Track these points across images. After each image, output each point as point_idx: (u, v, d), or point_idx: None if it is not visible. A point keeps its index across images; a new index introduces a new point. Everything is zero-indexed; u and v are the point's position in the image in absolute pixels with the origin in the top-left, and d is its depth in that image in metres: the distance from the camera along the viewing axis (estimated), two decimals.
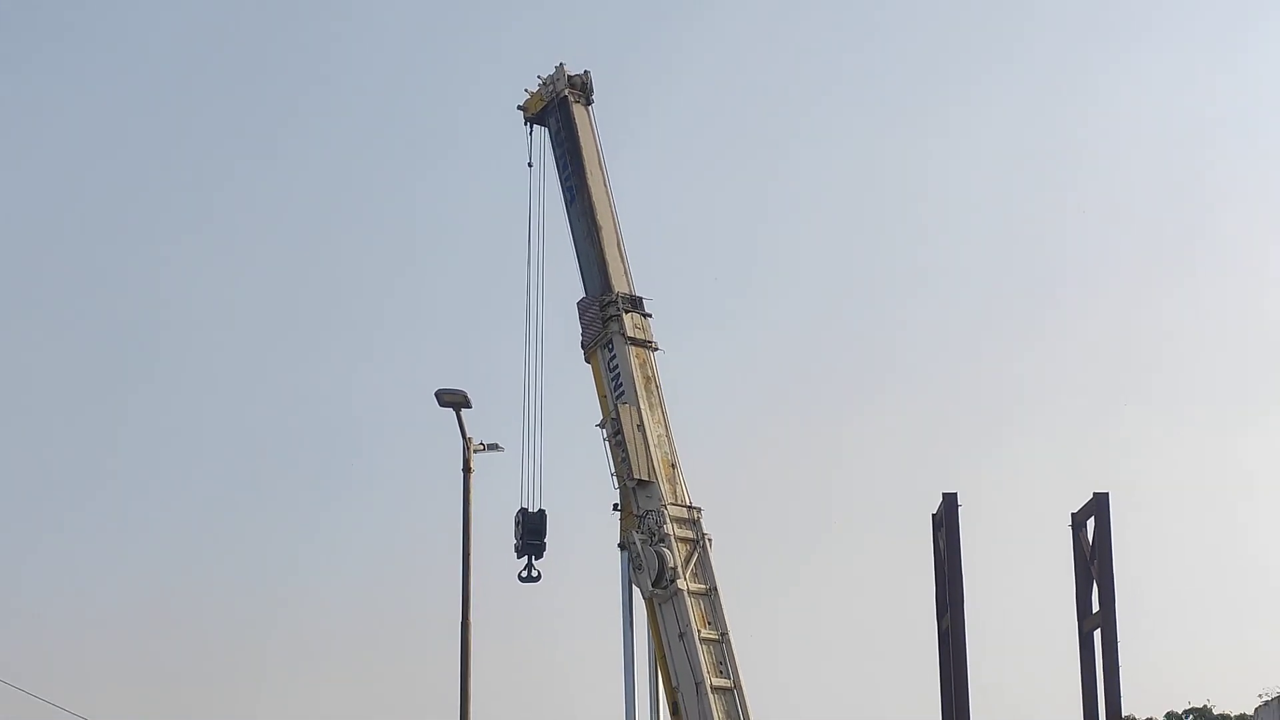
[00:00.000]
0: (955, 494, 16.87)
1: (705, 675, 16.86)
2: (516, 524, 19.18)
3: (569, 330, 19.26)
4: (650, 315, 19.62)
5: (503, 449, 19.27)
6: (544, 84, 20.50)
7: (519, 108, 20.61)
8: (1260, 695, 31.35)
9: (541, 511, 19.30)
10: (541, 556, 19.38)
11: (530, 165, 20.71)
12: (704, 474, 20.41)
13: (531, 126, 20.83)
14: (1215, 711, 50.69)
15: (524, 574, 18.83)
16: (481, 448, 18.74)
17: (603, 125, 20.51)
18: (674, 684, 17.13)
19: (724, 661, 17.34)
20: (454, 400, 17.90)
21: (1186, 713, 50.34)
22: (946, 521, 16.46)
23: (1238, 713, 45.15)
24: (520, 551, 19.16)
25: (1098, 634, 14.60)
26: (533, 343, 19.85)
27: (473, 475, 16.51)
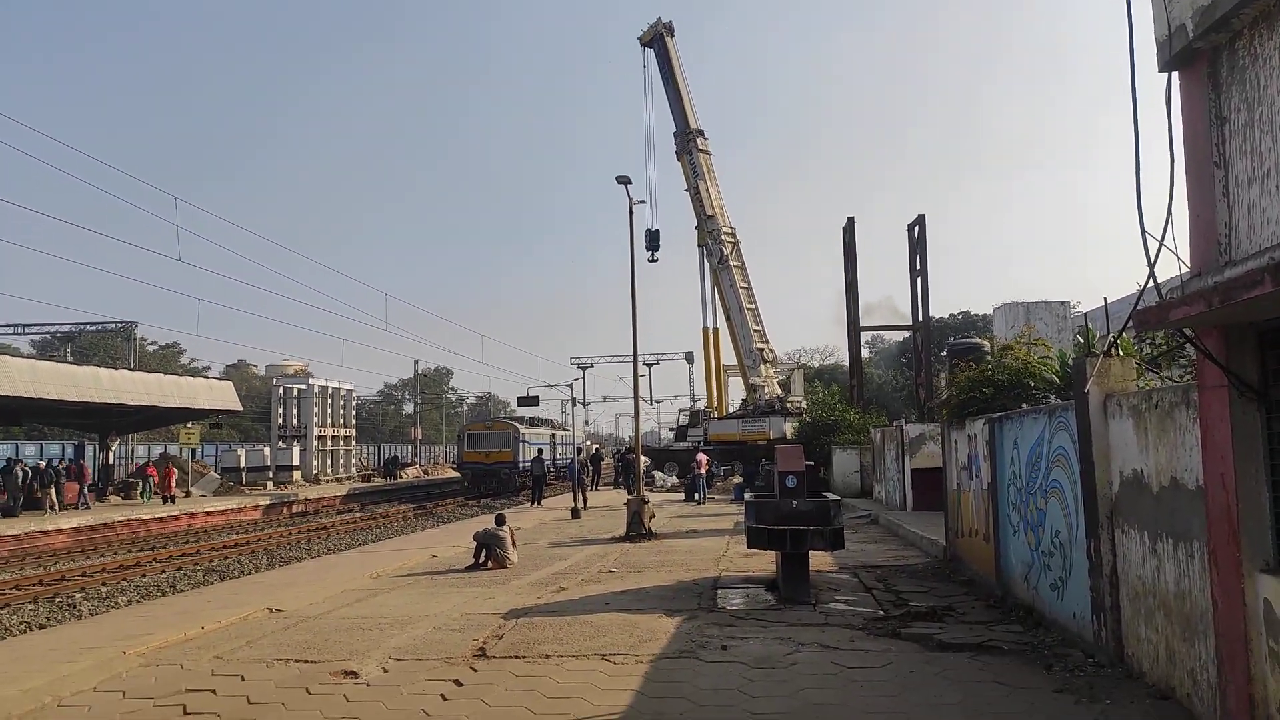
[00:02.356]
0: (852, 217, 40.72)
1: (743, 300, 42.05)
2: (646, 234, 43.16)
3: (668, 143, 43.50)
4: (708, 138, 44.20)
5: (644, 202, 43.21)
6: (651, 26, 43.62)
7: (638, 38, 44.25)
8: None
9: (657, 230, 43.74)
10: (657, 249, 43.99)
11: (645, 66, 44.56)
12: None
13: (645, 48, 44.19)
14: (974, 312, 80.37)
15: (649, 258, 43.42)
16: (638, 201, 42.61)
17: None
18: (726, 308, 42.40)
19: (749, 289, 42.84)
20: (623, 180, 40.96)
21: (957, 315, 78.88)
22: (848, 234, 40.42)
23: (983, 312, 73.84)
24: (648, 246, 43.42)
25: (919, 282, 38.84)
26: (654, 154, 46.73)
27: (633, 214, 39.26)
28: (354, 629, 10.39)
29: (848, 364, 48.33)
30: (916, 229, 39.92)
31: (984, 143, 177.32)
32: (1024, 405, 11.78)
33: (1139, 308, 5.76)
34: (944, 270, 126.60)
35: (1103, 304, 8.47)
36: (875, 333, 74.65)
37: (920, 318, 39.34)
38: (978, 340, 33.69)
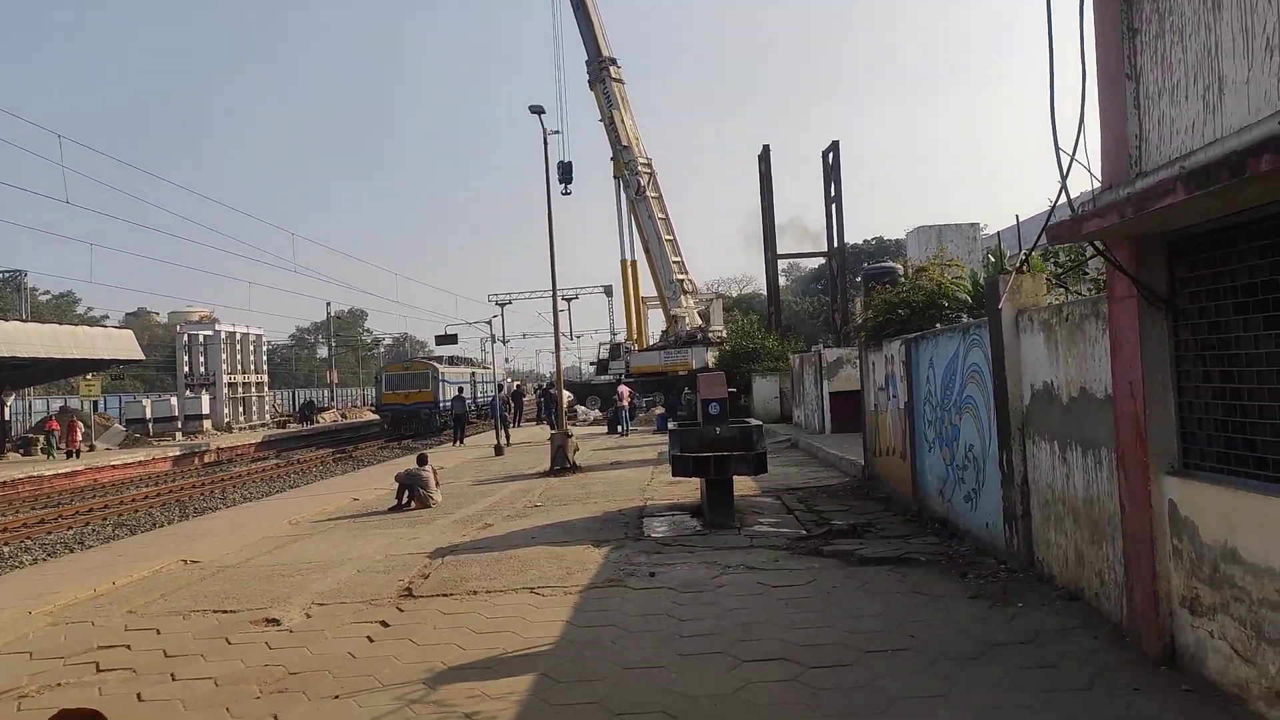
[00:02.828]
0: (768, 144, 40.70)
1: (661, 232, 41.89)
2: (559, 166, 42.65)
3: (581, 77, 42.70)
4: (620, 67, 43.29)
5: (559, 132, 42.29)
6: None
7: None
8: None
9: (569, 162, 43.28)
10: (570, 180, 43.70)
11: None
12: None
13: None
14: (887, 237, 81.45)
15: (562, 191, 43.02)
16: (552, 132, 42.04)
17: None
18: (645, 240, 42.24)
19: (667, 221, 42.69)
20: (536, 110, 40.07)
21: (870, 240, 80.00)
22: (763, 161, 40.43)
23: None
24: (560, 179, 43.01)
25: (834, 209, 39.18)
26: (563, 78, 44.47)
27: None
28: (274, 576, 10.15)
29: (765, 292, 48.87)
30: (831, 155, 40.12)
31: (899, 69, 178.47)
32: (939, 325, 12.01)
33: (1052, 222, 5.81)
34: (859, 196, 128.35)
35: (1014, 223, 8.59)
36: (791, 260, 75.64)
37: (836, 244, 39.79)
38: (892, 264, 34.31)
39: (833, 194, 39.85)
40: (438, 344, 38.03)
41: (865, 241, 77.32)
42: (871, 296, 14.67)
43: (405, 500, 15.13)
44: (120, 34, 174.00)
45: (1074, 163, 6.14)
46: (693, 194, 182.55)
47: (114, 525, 20.42)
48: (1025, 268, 8.06)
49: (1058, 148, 6.00)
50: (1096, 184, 6.20)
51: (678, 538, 10.84)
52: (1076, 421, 6.90)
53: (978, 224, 23.60)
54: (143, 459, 35.01)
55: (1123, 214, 4.81)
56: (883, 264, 35.08)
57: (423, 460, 15.68)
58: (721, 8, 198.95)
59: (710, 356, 41.74)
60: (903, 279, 15.22)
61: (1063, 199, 7.01)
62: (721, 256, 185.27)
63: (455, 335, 35.64)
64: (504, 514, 13.85)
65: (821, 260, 70.21)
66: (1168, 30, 5.32)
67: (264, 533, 13.67)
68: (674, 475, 11.69)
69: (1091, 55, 6.04)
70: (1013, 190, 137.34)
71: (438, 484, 15.58)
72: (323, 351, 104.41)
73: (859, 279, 57.90)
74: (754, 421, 12.22)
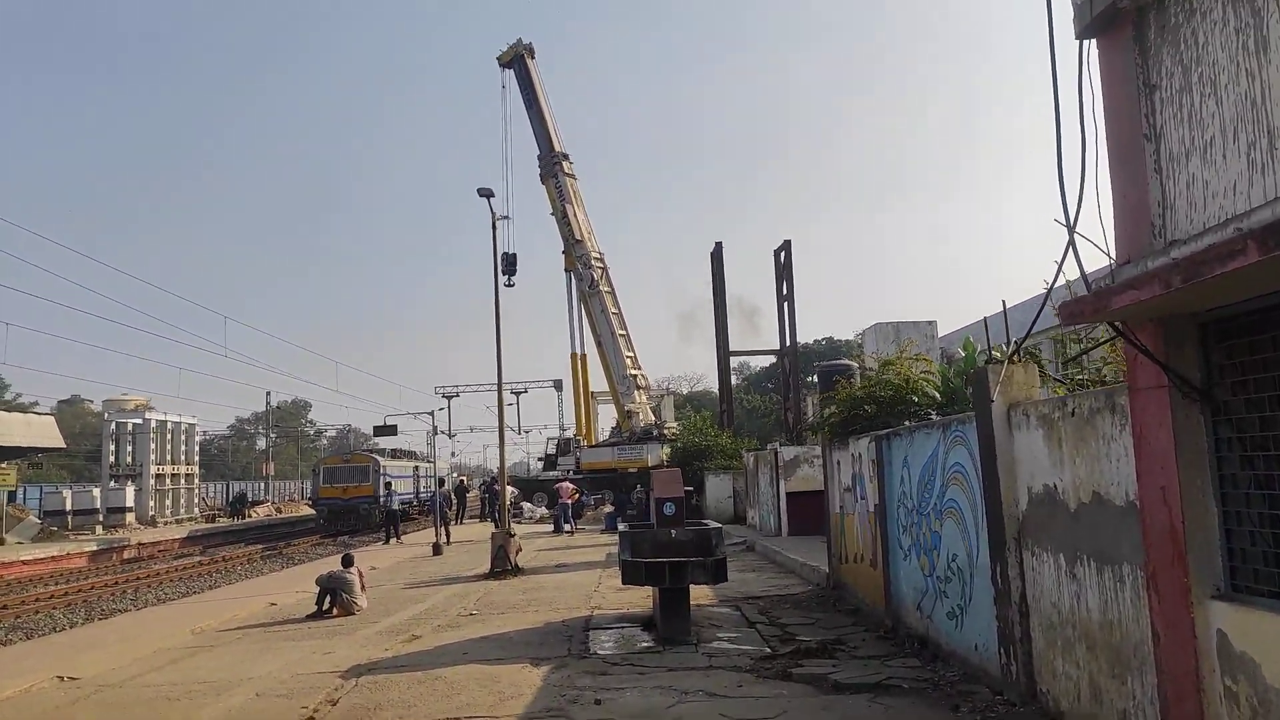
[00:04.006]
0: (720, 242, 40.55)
1: (615, 327, 41.34)
2: (503, 257, 42.27)
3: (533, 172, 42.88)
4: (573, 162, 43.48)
5: (508, 217, 41.76)
6: (510, 46, 43.24)
7: (497, 59, 43.70)
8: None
9: (514, 254, 42.87)
10: (514, 272, 43.34)
11: (504, 87, 44.28)
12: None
13: (504, 69, 43.66)
14: (837, 337, 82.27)
15: (506, 282, 42.55)
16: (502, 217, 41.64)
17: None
18: (597, 334, 41.68)
19: (619, 315, 42.27)
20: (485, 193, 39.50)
21: (821, 340, 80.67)
22: (715, 259, 40.23)
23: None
24: (504, 270, 42.55)
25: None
26: (510, 174, 44.56)
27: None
28: (159, 699, 8.75)
29: (715, 390, 48.26)
30: (783, 254, 40.12)
31: (843, 176, 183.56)
32: (908, 422, 11.22)
33: (1071, 299, 5.04)
34: (807, 297, 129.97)
35: (995, 314, 7.91)
36: (741, 359, 75.56)
37: (788, 342, 39.46)
38: (848, 362, 33.93)
39: (784, 292, 39.68)
40: (376, 434, 36.40)
41: (816, 341, 77.61)
42: (835, 391, 13.89)
43: (326, 606, 13.72)
44: (48, 109, 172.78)
45: (1074, 238, 5.45)
46: (630, 290, 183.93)
47: (8, 629, 18.48)
48: (1017, 357, 7.30)
49: (1068, 215, 5.29)
50: (1095, 262, 5.50)
51: (628, 655, 9.65)
52: (1089, 532, 6.02)
53: (934, 322, 23.31)
54: (56, 554, 32.60)
55: (1168, 284, 4.04)
56: (839, 362, 34.69)
57: (348, 561, 14.31)
58: (669, 109, 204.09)
59: (663, 453, 40.74)
60: (870, 372, 14.45)
61: (1064, 277, 6.33)
62: (659, 353, 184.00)
63: (395, 426, 34.15)
64: (435, 623, 12.52)
65: (771, 359, 70.42)
66: (1195, 83, 4.66)
67: (163, 642, 12.17)
68: (624, 583, 10.56)
69: (1100, 117, 5.41)
70: (967, 291, 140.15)
71: (364, 587, 14.20)
72: (263, 443, 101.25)
73: (811, 378, 57.67)
74: (713, 524, 11.20)
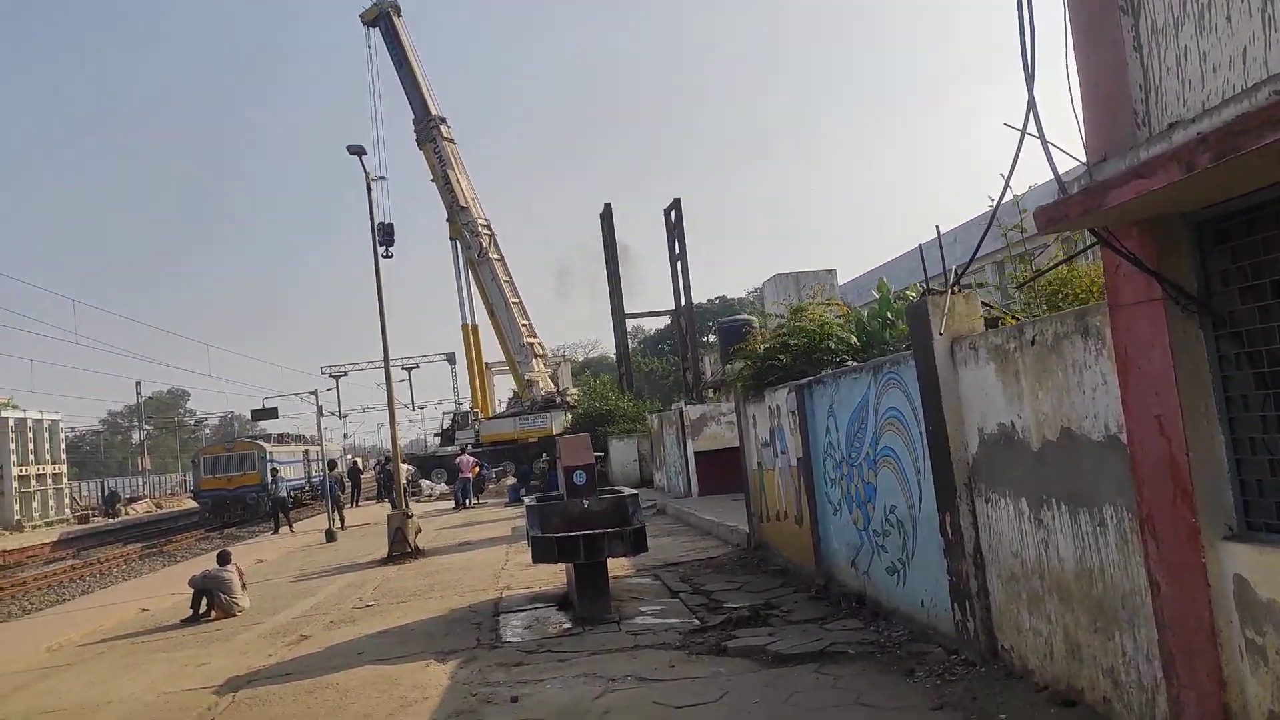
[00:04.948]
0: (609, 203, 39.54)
1: (507, 294, 40.11)
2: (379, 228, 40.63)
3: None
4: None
5: (384, 178, 40.05)
6: (374, 4, 41.56)
7: (360, 16, 41.60)
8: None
9: (391, 224, 41.13)
10: (392, 243, 41.58)
11: (370, 47, 42.07)
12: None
13: (368, 29, 41.63)
14: (730, 296, 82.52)
15: (384, 254, 40.79)
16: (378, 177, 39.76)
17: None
18: (489, 304, 40.29)
19: (511, 283, 40.93)
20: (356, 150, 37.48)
21: (714, 299, 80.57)
22: (605, 220, 39.22)
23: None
24: (382, 241, 40.99)
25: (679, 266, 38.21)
26: (381, 140, 42.82)
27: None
28: None
29: (613, 355, 47.44)
30: (673, 213, 39.36)
31: (717, 134, 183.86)
32: (827, 370, 10.59)
33: (1053, 201, 4.30)
34: (699, 257, 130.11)
35: (931, 242, 7.23)
36: (634, 322, 75.00)
37: (683, 302, 38.88)
38: (747, 317, 33.49)
39: (676, 251, 38.98)
40: (254, 419, 34.22)
41: (709, 300, 77.54)
42: (746, 343, 13.17)
43: (203, 609, 12.38)
44: None
45: (1024, 138, 4.76)
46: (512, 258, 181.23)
47: None
48: (958, 288, 6.63)
49: (1032, 104, 4.55)
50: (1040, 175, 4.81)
51: (544, 641, 8.75)
52: (1058, 472, 5.39)
53: (833, 270, 22.96)
54: None
55: (1191, 165, 3.31)
56: (738, 318, 34.23)
57: (224, 558, 12.94)
58: (556, 72, 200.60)
59: (566, 420, 39.79)
60: (782, 320, 13.72)
61: (1011, 194, 5.66)
62: (547, 320, 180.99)
63: (275, 409, 32.03)
64: (327, 619, 11.36)
65: (665, 321, 69.86)
66: None
67: (10, 664, 10.69)
68: (536, 561, 9.60)
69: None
70: (859, 243, 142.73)
71: (244, 586, 12.87)
72: (138, 437, 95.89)
73: (707, 339, 57.28)
74: (627, 490, 10.38)
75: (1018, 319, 6.64)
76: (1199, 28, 3.92)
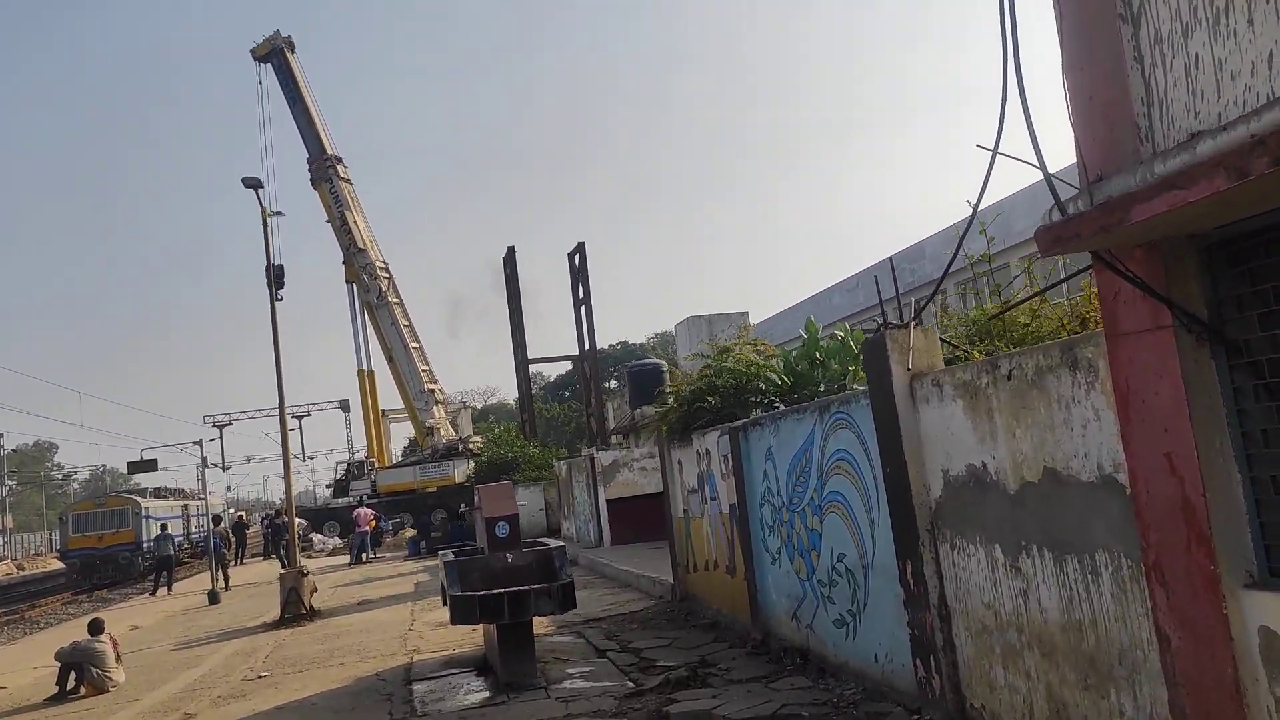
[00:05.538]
0: (513, 246, 38.86)
1: (407, 339, 38.85)
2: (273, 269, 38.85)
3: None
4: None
5: (282, 213, 38.46)
6: (266, 39, 40.52)
7: (251, 52, 40.58)
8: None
9: (281, 265, 39.91)
10: (283, 285, 40.13)
11: (261, 83, 40.74)
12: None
13: (259, 64, 40.59)
14: (631, 341, 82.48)
15: (276, 297, 39.21)
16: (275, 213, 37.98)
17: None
18: (387, 348, 39.03)
19: (411, 327, 39.76)
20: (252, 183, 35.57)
21: (616, 344, 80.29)
22: (509, 264, 38.56)
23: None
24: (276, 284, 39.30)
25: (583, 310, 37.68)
26: (272, 179, 41.56)
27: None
28: None
29: (511, 401, 46.37)
30: (577, 257, 38.98)
31: (652, 183, 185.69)
32: (757, 412, 10.21)
33: (1057, 221, 3.95)
34: (599, 302, 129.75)
35: (880, 271, 6.92)
36: (535, 368, 74.00)
37: (588, 346, 38.38)
38: (657, 361, 33.16)
39: (580, 296, 38.54)
40: (131, 472, 31.94)
41: (611, 346, 77.25)
42: (668, 384, 12.70)
43: (71, 685, 11.07)
44: None
45: (995, 158, 4.50)
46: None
47: None
48: (918, 322, 6.31)
49: (1028, 118, 4.24)
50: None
51: (466, 713, 7.93)
52: (1038, 517, 5.04)
53: (746, 313, 22.85)
54: None
55: (1244, 172, 2.99)
56: (647, 361, 33.92)
57: (96, 628, 11.61)
58: (451, 112, 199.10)
59: (469, 468, 38.54)
60: (709, 360, 13.18)
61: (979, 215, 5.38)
62: (444, 365, 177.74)
63: (154, 461, 29.92)
64: (214, 694, 10.24)
65: (566, 367, 68.94)
66: None
67: None
68: (455, 622, 8.77)
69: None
70: (761, 286, 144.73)
71: (119, 657, 11.58)
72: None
73: (611, 384, 56.62)
74: (553, 542, 9.70)
75: (983, 355, 6.34)
76: (1213, 34, 3.65)
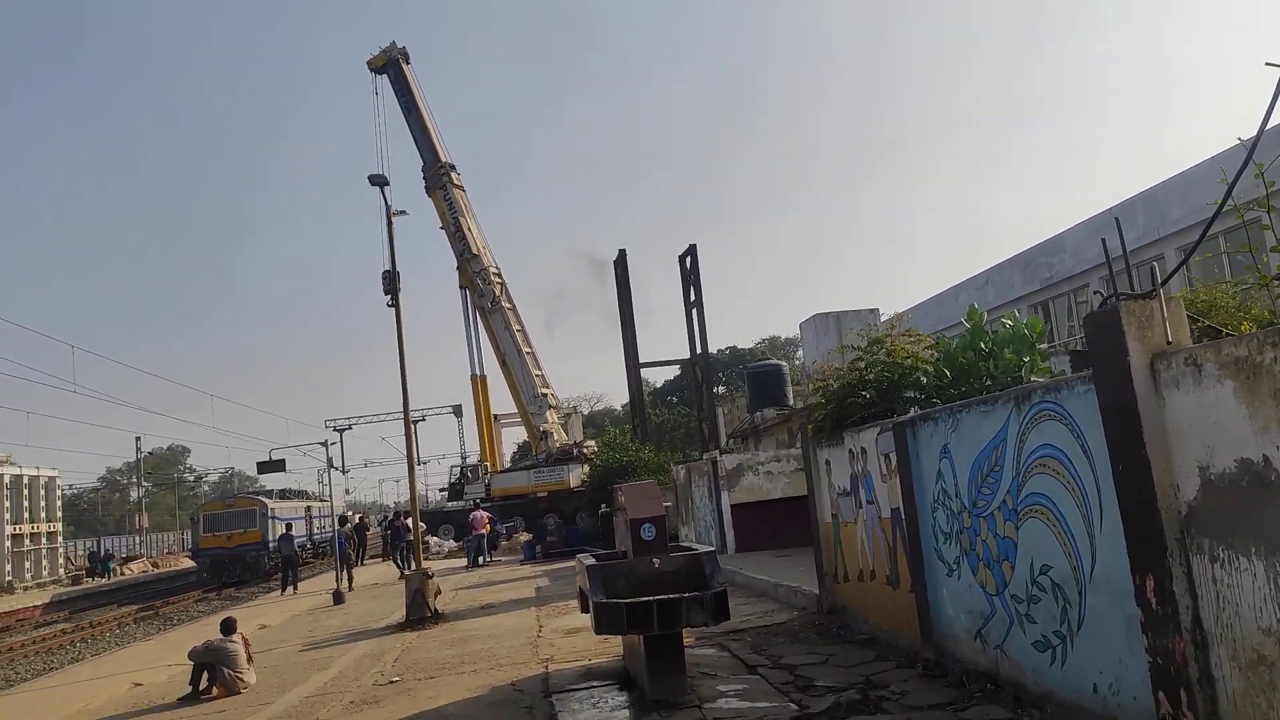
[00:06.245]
0: (624, 249, 38.50)
1: (520, 344, 38.94)
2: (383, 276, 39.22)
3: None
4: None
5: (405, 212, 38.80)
6: (383, 50, 41.34)
7: (367, 63, 41.75)
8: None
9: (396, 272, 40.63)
10: (399, 292, 40.72)
11: (378, 94, 41.63)
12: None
13: (375, 75, 41.59)
14: (740, 346, 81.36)
15: (388, 303, 39.59)
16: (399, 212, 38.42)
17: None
18: (500, 353, 39.15)
19: (524, 332, 39.79)
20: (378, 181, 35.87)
21: (724, 350, 79.35)
22: (620, 267, 38.14)
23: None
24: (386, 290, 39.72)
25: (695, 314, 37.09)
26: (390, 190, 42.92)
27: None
28: None
29: (623, 405, 46.08)
30: (689, 259, 38.34)
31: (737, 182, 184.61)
32: (915, 410, 9.28)
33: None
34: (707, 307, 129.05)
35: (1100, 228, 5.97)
36: (643, 372, 73.60)
37: (699, 350, 37.65)
38: (777, 362, 32.25)
39: (692, 299, 37.86)
40: (260, 471, 32.68)
41: (720, 351, 76.32)
42: (823, 378, 11.81)
43: (204, 686, 10.90)
44: None
45: None
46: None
47: None
48: (1158, 292, 5.34)
49: None
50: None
51: None
52: None
53: (876, 309, 21.71)
54: None
55: None
56: (767, 362, 32.98)
57: (229, 628, 11.44)
58: (551, 124, 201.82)
59: (583, 473, 38.30)
60: (859, 350, 12.21)
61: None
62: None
63: (283, 462, 30.50)
64: (347, 699, 9.86)
65: (674, 373, 68.23)
66: None
67: None
68: (600, 631, 8.12)
69: None
70: (873, 287, 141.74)
71: (250, 658, 11.38)
72: (136, 494, 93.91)
73: (719, 389, 55.66)
74: (702, 547, 8.97)
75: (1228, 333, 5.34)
76: None
